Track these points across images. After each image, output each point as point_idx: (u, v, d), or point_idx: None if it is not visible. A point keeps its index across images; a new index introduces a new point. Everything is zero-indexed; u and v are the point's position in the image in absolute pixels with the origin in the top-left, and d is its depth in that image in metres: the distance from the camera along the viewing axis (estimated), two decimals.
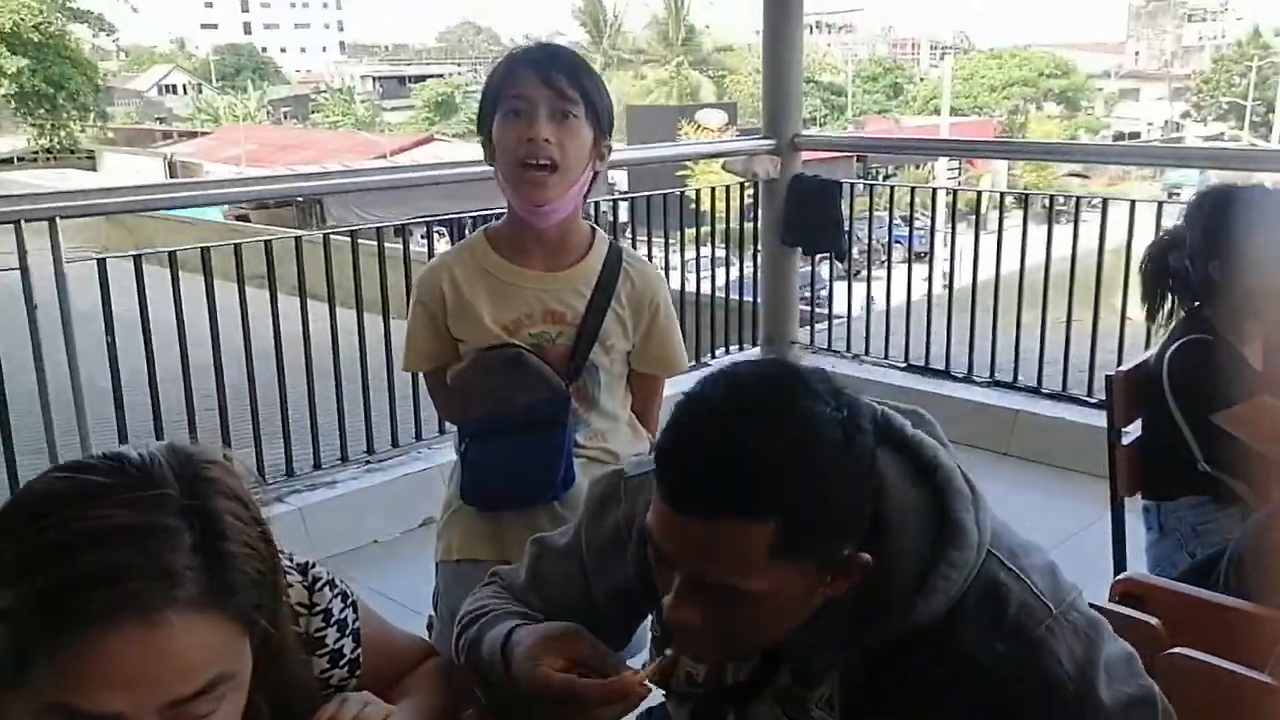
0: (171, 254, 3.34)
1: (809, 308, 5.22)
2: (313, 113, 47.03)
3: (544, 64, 1.66)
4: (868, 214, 5.09)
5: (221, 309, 3.30)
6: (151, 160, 30.77)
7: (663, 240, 4.90)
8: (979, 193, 5.30)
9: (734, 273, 5.11)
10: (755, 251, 4.78)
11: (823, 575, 1.00)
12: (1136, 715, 1.04)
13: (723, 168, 4.70)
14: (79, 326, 2.91)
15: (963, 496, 1.04)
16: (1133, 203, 4.06)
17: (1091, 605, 1.10)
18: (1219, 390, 2.01)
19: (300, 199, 14.87)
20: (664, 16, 42.42)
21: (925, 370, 4.47)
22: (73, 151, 31.94)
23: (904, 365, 4.55)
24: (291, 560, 1.06)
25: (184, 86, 54.59)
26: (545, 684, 1.08)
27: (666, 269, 4.76)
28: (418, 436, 3.75)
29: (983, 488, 1.08)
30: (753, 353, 4.76)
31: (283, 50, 78.91)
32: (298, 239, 3.63)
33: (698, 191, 5.56)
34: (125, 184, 4.75)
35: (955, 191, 5.57)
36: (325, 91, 50.90)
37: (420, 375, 1.93)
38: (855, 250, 5.09)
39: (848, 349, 4.75)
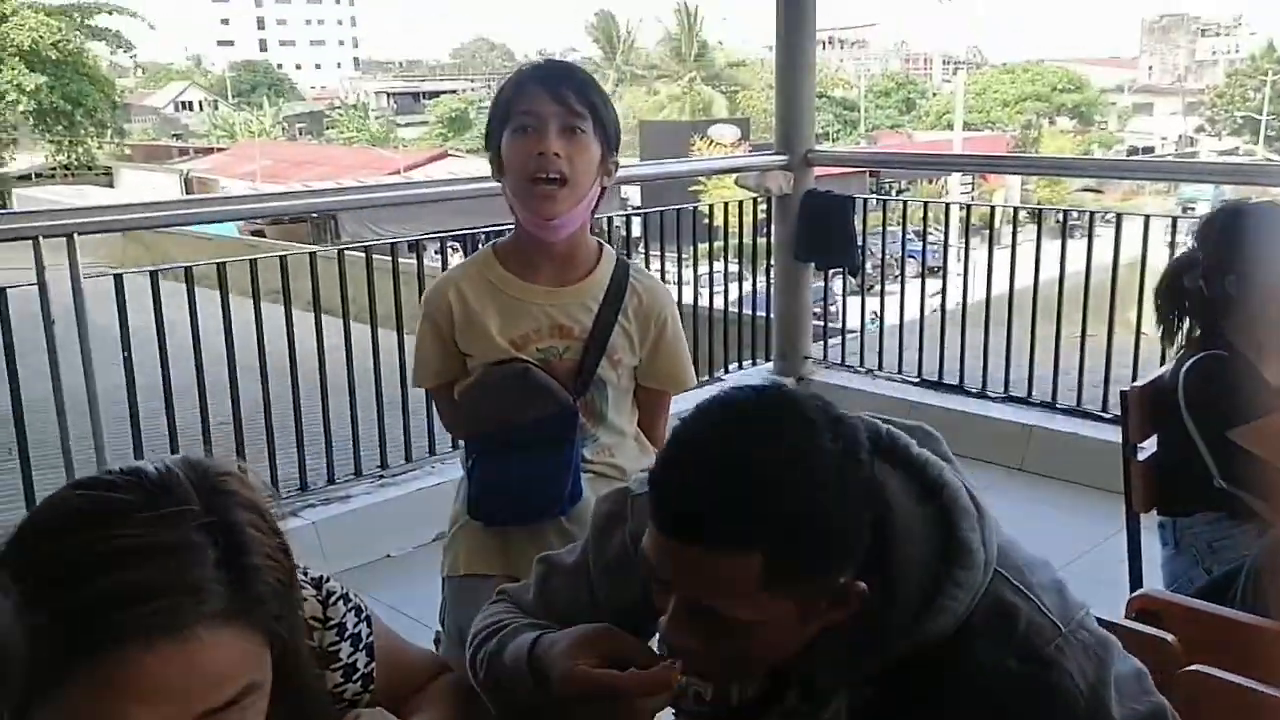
0: (188, 269, 3.36)
1: (822, 323, 5.22)
2: (327, 129, 47.31)
3: (553, 80, 1.67)
4: (881, 229, 5.09)
5: (237, 324, 3.31)
6: (168, 176, 31.01)
7: (675, 255, 4.91)
8: (992, 208, 5.29)
9: (747, 288, 5.12)
10: (768, 267, 4.78)
11: (817, 604, 0.99)
12: None
13: (736, 183, 4.72)
14: (96, 341, 2.93)
15: (968, 515, 1.03)
16: (1147, 218, 4.05)
17: (1107, 622, 1.10)
18: (1236, 406, 2.00)
19: (315, 215, 14.95)
20: (677, 32, 42.58)
21: (939, 385, 4.46)
22: (90, 168, 32.18)
23: (917, 380, 4.53)
24: (306, 574, 1.07)
25: (200, 103, 55.01)
26: (586, 681, 1.08)
27: (679, 284, 4.77)
28: (431, 451, 3.75)
29: (996, 503, 1.08)
30: (766, 368, 4.76)
31: (298, 67, 79.48)
32: (312, 254, 3.66)
33: (711, 207, 5.57)
34: (142, 200, 4.79)
35: (968, 206, 5.56)
36: (340, 108, 51.19)
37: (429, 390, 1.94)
38: (869, 265, 5.07)
39: (861, 364, 4.75)
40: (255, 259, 3.48)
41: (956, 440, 1.13)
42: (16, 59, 28.05)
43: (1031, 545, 1.11)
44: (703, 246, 5.30)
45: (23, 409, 2.95)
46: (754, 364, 4.81)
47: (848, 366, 4.77)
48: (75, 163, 31.82)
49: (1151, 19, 62.54)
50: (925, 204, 4.91)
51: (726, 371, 4.71)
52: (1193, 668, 1.24)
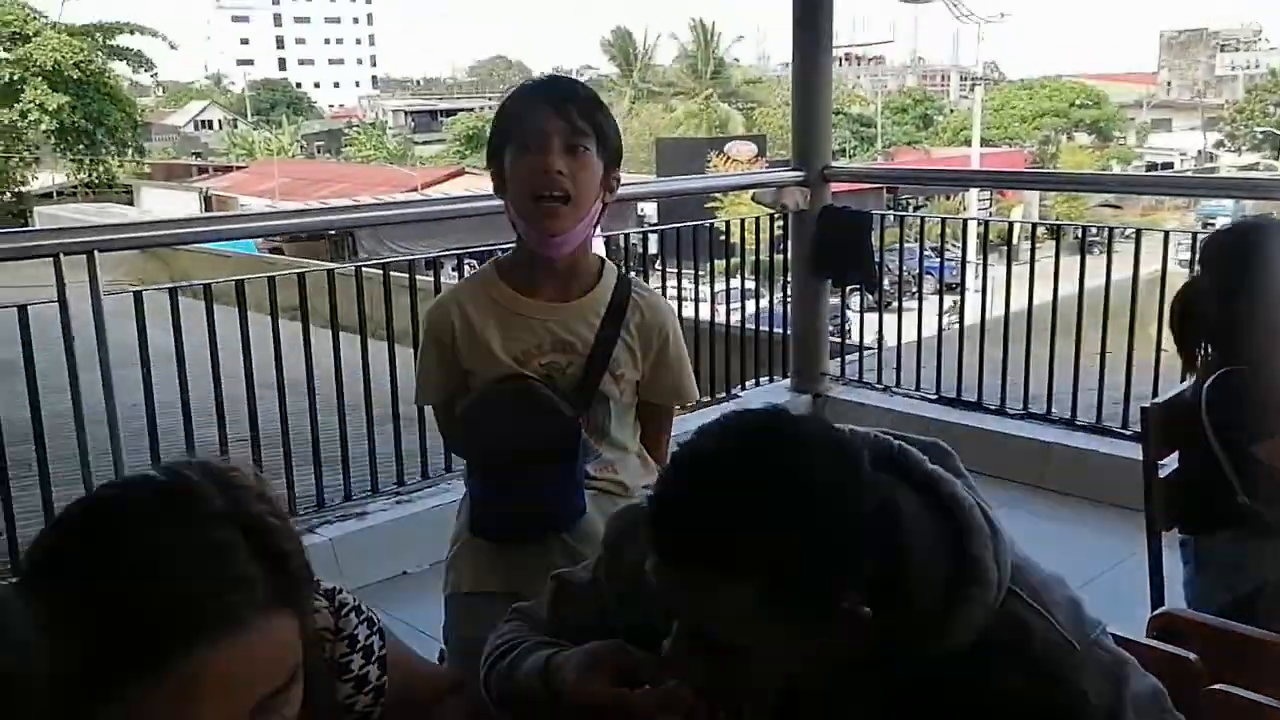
0: (206, 286, 3.38)
1: (839, 339, 5.21)
2: (345, 146, 47.60)
3: (556, 98, 1.68)
4: (898, 245, 5.08)
5: (255, 341, 3.33)
6: (187, 194, 31.28)
7: (692, 272, 4.91)
8: (1010, 223, 5.29)
9: (764, 304, 5.11)
10: (785, 283, 4.78)
11: (817, 629, 0.98)
12: None
13: (752, 199, 4.72)
14: (115, 358, 2.95)
15: (981, 532, 1.02)
16: (1166, 233, 4.03)
17: (1127, 641, 1.08)
18: (1259, 421, 1.98)
19: (333, 232, 15.05)
20: (693, 49, 42.72)
21: (957, 402, 4.44)
22: (111, 186, 32.49)
23: (935, 397, 4.51)
24: (319, 587, 1.07)
25: (219, 122, 55.50)
26: (598, 698, 1.09)
27: (695, 301, 4.77)
28: (447, 469, 3.75)
29: (1015, 521, 1.07)
30: (783, 384, 4.74)
31: (317, 85, 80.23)
32: (330, 272, 3.67)
33: (727, 223, 5.58)
34: (161, 218, 4.83)
35: (986, 222, 5.55)
36: (358, 126, 51.54)
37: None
38: (886, 281, 5.06)
39: (879, 380, 4.73)
40: (273, 276, 3.50)
41: (975, 458, 1.12)
42: (39, 79, 28.39)
43: (1051, 564, 1.10)
44: (719, 263, 5.30)
45: (43, 425, 2.96)
46: (770, 381, 4.79)
47: (865, 383, 4.75)
48: (96, 181, 32.13)
49: (1170, 34, 62.38)
50: (943, 220, 4.90)
51: (743, 388, 4.70)
52: (1215, 687, 1.22)
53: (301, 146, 46.50)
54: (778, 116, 37.64)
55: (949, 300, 4.97)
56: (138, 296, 3.19)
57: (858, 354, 4.98)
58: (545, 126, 1.66)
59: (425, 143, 50.94)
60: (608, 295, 1.77)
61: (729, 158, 29.43)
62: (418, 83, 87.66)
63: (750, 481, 0.95)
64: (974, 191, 22.21)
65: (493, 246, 4.14)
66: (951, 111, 49.13)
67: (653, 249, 5.30)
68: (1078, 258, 4.28)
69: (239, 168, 37.61)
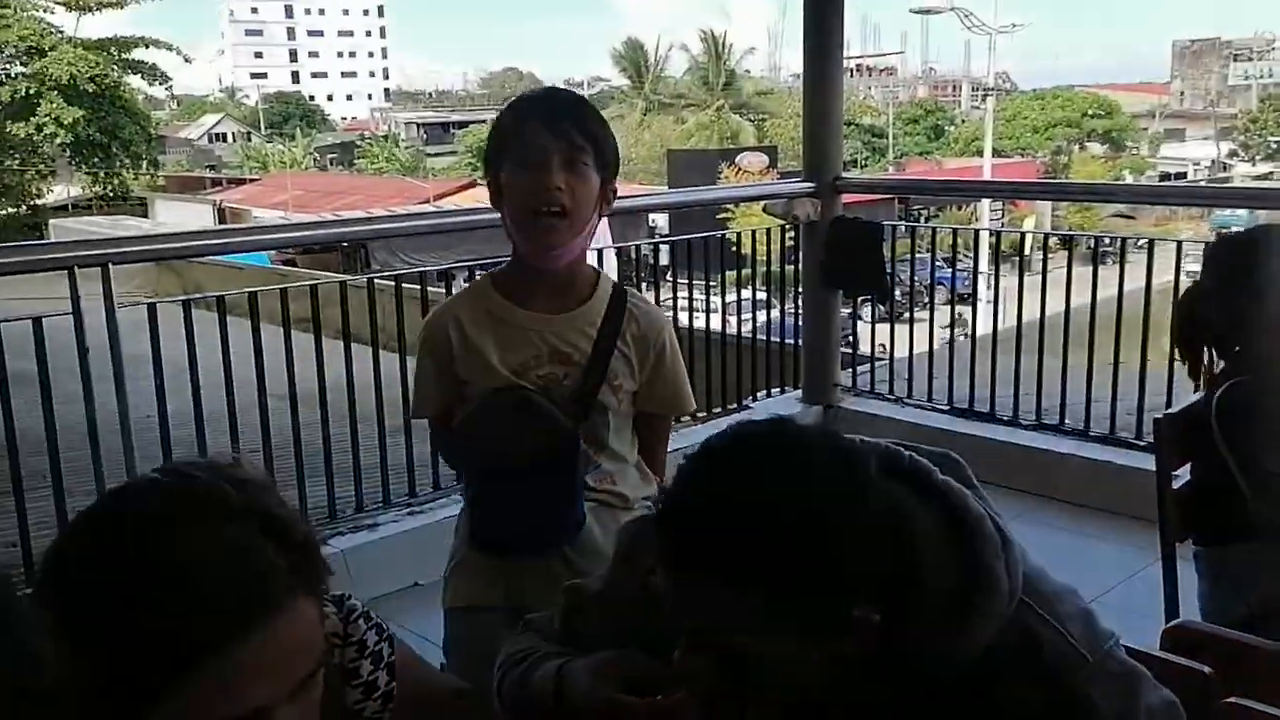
0: (220, 298, 3.40)
1: (851, 350, 5.20)
2: (358, 159, 47.83)
3: (554, 113, 1.69)
4: (910, 256, 5.08)
5: (267, 352, 3.34)
6: (201, 207, 31.45)
7: (703, 282, 4.91)
8: (1022, 234, 5.27)
9: (774, 315, 5.11)
10: (796, 294, 4.77)
11: (827, 636, 0.98)
12: None
13: (764, 210, 4.72)
14: (128, 370, 2.96)
15: (991, 542, 1.02)
16: (1179, 243, 4.01)
17: (1141, 653, 1.08)
18: (1271, 432, 1.97)
19: (345, 244, 15.10)
20: (704, 61, 42.78)
21: (970, 413, 4.42)
22: (125, 199, 32.69)
23: (947, 408, 4.50)
24: (328, 593, 1.08)
25: (233, 135, 55.83)
26: (608, 705, 1.10)
27: (707, 311, 4.77)
28: (459, 480, 3.75)
29: (1028, 532, 1.06)
30: (794, 395, 4.74)
31: (329, 98, 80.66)
32: (343, 283, 3.68)
33: (739, 234, 5.58)
34: (175, 230, 4.86)
35: (998, 233, 5.54)
36: (370, 138, 51.77)
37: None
38: (897, 292, 5.06)
39: (890, 391, 4.72)
40: (286, 288, 3.51)
41: (987, 469, 1.12)
42: (55, 93, 28.60)
43: (1064, 576, 1.10)
44: (730, 274, 5.30)
45: (57, 436, 2.98)
46: (782, 392, 4.79)
47: (876, 394, 4.74)
48: (111, 194, 32.34)
49: (1183, 43, 62.25)
50: (954, 230, 4.89)
51: (754, 399, 4.69)
52: (1230, 700, 1.21)
53: (314, 159, 46.74)
54: (789, 128, 37.65)
55: (945, 315, 4.96)
56: (151, 308, 3.21)
57: (869, 365, 4.98)
58: (543, 142, 1.66)
59: (437, 154, 51.15)
60: (604, 306, 1.78)
61: (740, 169, 29.44)
62: (430, 95, 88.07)
63: (758, 489, 0.95)
64: (986, 202, 22.16)
65: (503, 258, 4.16)
66: (963, 122, 49.11)
67: (664, 260, 5.31)
68: (1090, 268, 4.27)
69: (252, 180, 37.81)
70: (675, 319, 4.56)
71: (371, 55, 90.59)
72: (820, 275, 4.56)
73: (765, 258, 4.83)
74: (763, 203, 4.79)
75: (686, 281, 4.69)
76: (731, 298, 5.44)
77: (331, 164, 48.50)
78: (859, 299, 4.88)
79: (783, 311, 5.03)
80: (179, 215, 29.83)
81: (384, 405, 3.59)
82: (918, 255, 5.13)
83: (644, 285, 4.46)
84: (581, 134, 1.68)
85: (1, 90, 28.67)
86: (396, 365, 3.62)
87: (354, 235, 6.60)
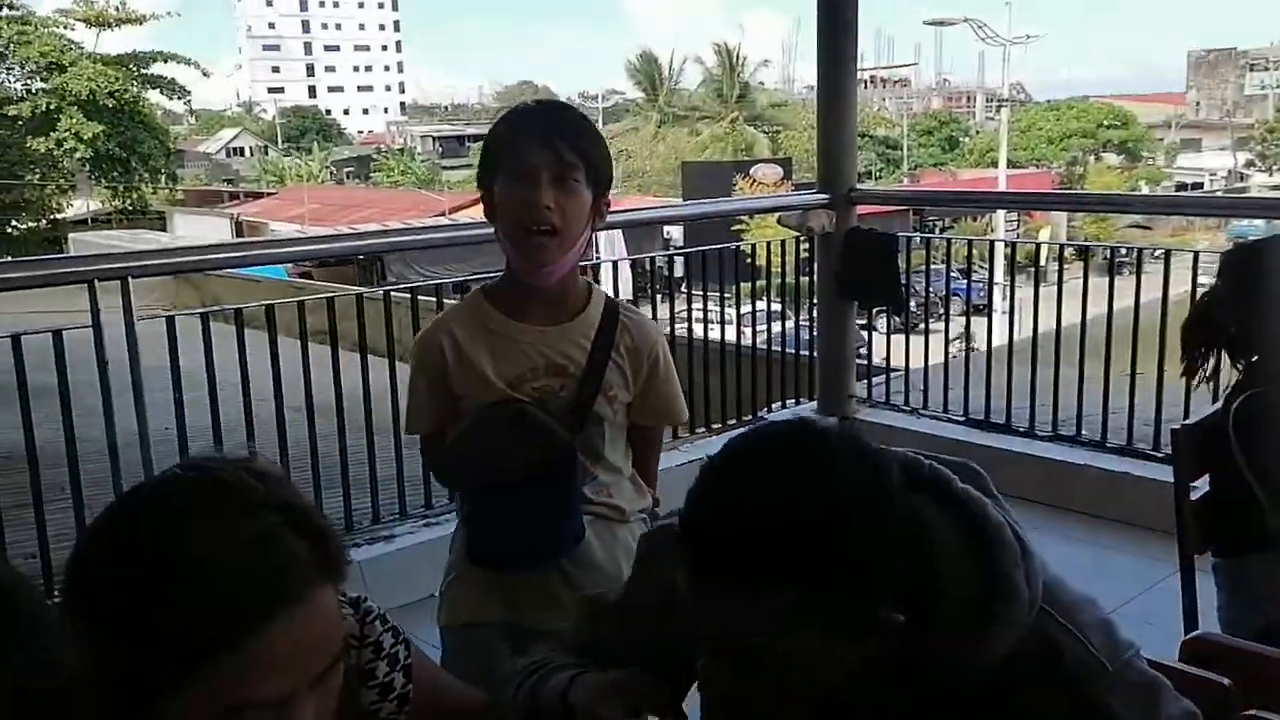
0: (238, 311, 3.42)
1: (866, 361, 5.19)
2: (374, 172, 48.05)
3: (546, 128, 1.68)
4: (924, 267, 5.07)
5: (285, 364, 3.36)
6: (219, 220, 31.67)
7: (718, 294, 4.92)
8: (1038, 244, 5.26)
9: (788, 326, 5.11)
10: (811, 305, 4.77)
11: (852, 638, 0.98)
12: None
13: (778, 222, 4.72)
14: (147, 381, 2.98)
15: (1011, 551, 1.02)
16: (1196, 254, 4.00)
17: (1159, 665, 1.07)
18: None
19: (361, 257, 15.16)
20: (719, 74, 42.86)
21: (985, 424, 4.41)
22: (144, 213, 32.94)
23: (963, 419, 4.49)
24: (344, 595, 1.08)
25: (250, 149, 56.21)
26: None
27: (722, 323, 4.77)
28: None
29: (1045, 544, 1.06)
30: (809, 406, 4.73)
31: (346, 112, 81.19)
32: (359, 296, 3.70)
33: (753, 246, 5.58)
34: (193, 244, 4.89)
35: (1014, 244, 5.53)
36: (386, 151, 52.02)
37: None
38: (913, 303, 5.05)
39: (906, 402, 4.71)
40: (303, 300, 3.53)
41: (1004, 480, 1.12)
42: (75, 108, 28.86)
43: (1082, 587, 1.09)
44: (745, 285, 5.30)
45: (76, 448, 3.00)
46: (797, 403, 4.78)
47: (892, 405, 4.73)
48: (130, 208, 32.58)
49: (1198, 54, 62.02)
50: (969, 242, 4.88)
51: (769, 410, 4.69)
52: (1249, 713, 1.21)
53: (331, 172, 47.01)
54: (803, 139, 37.64)
55: (959, 326, 4.95)
56: (170, 321, 3.23)
57: (884, 376, 4.97)
58: (534, 158, 1.65)
59: (453, 167, 51.31)
60: (597, 317, 1.78)
61: (755, 180, 29.47)
62: (445, 108, 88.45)
63: (783, 489, 0.95)
64: (1001, 213, 22.11)
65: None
66: (977, 133, 49.00)
67: (679, 271, 5.32)
68: (1106, 278, 4.26)
69: (269, 194, 38.06)
70: (690, 330, 4.57)
71: (388, 69, 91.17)
72: (835, 287, 4.56)
73: (780, 269, 4.83)
74: (777, 214, 4.79)
75: (701, 293, 4.70)
76: (746, 309, 5.44)
77: (348, 177, 48.76)
78: (874, 310, 4.87)
79: (797, 323, 5.03)
80: (197, 229, 30.06)
81: (400, 417, 3.60)
82: (932, 267, 5.12)
83: (659, 297, 4.47)
84: (573, 150, 1.67)
85: (22, 106, 28.95)
86: None
87: (370, 248, 6.62)
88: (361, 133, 73.15)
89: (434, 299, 3.77)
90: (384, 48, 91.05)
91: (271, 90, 79.46)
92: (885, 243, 4.51)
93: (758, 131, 41.58)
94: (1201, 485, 2.17)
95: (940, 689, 1.00)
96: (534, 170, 1.65)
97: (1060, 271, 4.62)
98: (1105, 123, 43.55)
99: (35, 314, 3.73)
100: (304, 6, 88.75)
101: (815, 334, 4.75)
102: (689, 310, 4.53)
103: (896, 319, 4.89)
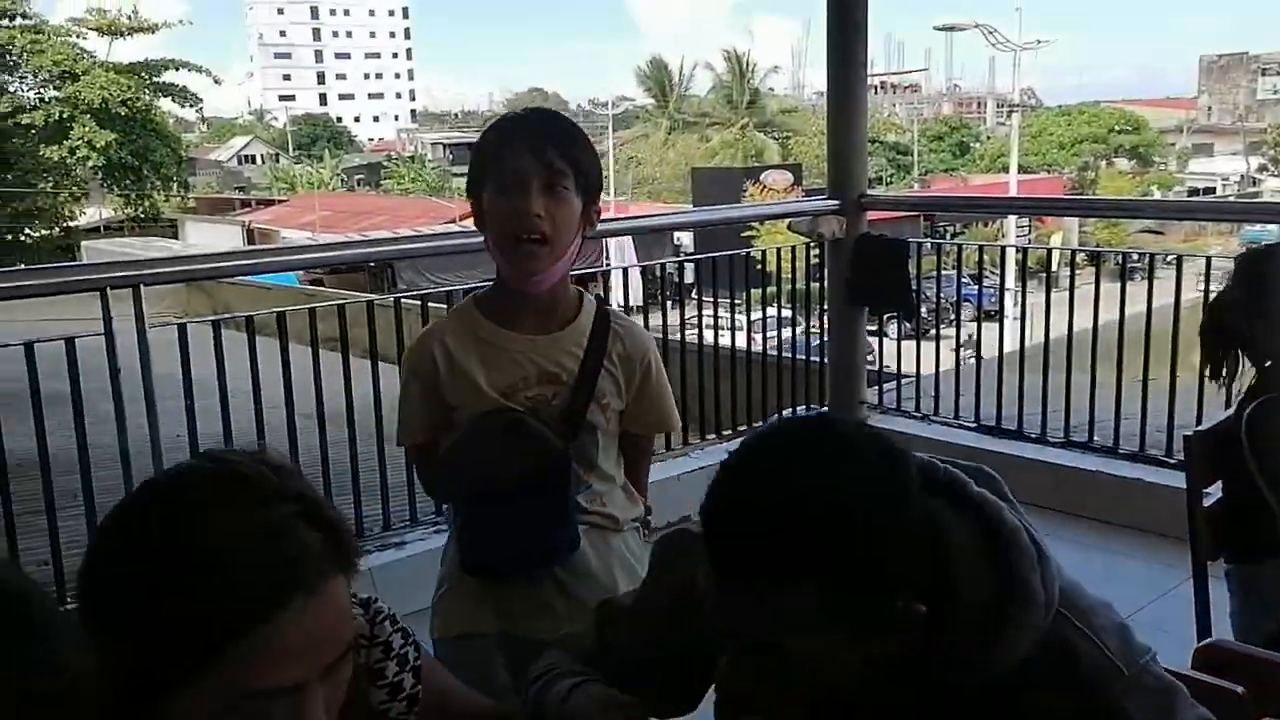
0: (249, 318, 3.43)
1: (877, 367, 5.18)
2: (385, 179, 48.19)
3: (535, 136, 1.67)
4: (935, 273, 5.06)
5: (296, 371, 3.37)
6: (230, 228, 31.81)
7: (729, 300, 4.92)
8: (1049, 250, 5.24)
9: (797, 332, 5.10)
10: (822, 311, 4.77)
11: (874, 631, 0.98)
12: None
13: (789, 228, 4.72)
14: (158, 389, 2.99)
15: (1027, 554, 1.02)
16: (1209, 259, 3.98)
17: (1173, 672, 1.07)
18: None
19: (372, 264, 15.23)
20: (728, 80, 42.89)
21: (997, 430, 4.40)
22: (156, 220, 33.10)
23: (975, 425, 4.47)
24: (355, 596, 1.09)
25: (261, 156, 56.43)
26: None
27: (732, 329, 4.77)
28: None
29: (1057, 550, 1.06)
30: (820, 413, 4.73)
31: (356, 119, 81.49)
32: (370, 303, 3.71)
33: (764, 252, 5.58)
34: (205, 252, 4.92)
35: (1025, 249, 5.52)
36: (397, 159, 52.15)
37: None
38: (924, 309, 5.04)
39: (917, 409, 4.70)
40: (314, 308, 3.54)
41: (1015, 486, 1.12)
42: (88, 116, 29.01)
43: (1093, 593, 1.09)
44: (755, 291, 5.30)
45: (89, 455, 3.01)
46: (808, 409, 4.77)
47: (903, 411, 4.72)
48: (142, 216, 32.75)
49: (1210, 58, 61.82)
50: (981, 247, 4.87)
51: (780, 417, 4.68)
52: None
53: (342, 180, 47.14)
54: (813, 145, 37.65)
55: (967, 332, 4.93)
56: (182, 329, 3.24)
57: (895, 382, 4.96)
58: (523, 166, 1.65)
59: (463, 175, 50.88)
60: (588, 325, 1.77)
61: (765, 186, 29.45)
62: (456, 116, 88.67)
63: (802, 483, 0.96)
64: (1012, 218, 22.06)
65: None
66: (988, 138, 48.91)
67: (689, 278, 5.32)
68: (1118, 284, 4.24)
69: (280, 201, 38.21)
70: (700, 336, 4.57)
71: (398, 77, 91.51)
72: (846, 293, 4.55)
73: (790, 275, 4.83)
74: (788, 220, 4.79)
75: (712, 299, 4.70)
76: (757, 315, 5.44)
77: (358, 185, 48.89)
78: (884, 316, 4.86)
79: (808, 329, 5.02)
80: (209, 236, 30.21)
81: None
82: (944, 272, 5.11)
83: (669, 303, 4.47)
84: (562, 157, 1.66)
85: (35, 114, 29.11)
86: None
87: (381, 255, 6.65)
88: (372, 140, 73.40)
89: (444, 305, 3.77)
90: (394, 55, 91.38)
91: (283, 98, 79.75)
92: (896, 248, 4.51)
93: (768, 138, 41.60)
94: (1214, 491, 2.16)
95: (956, 691, 1.00)
96: (524, 178, 1.65)
97: (1072, 277, 4.61)
98: (1117, 128, 43.44)
99: (48, 322, 3.75)
100: (315, 14, 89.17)
101: (826, 340, 4.75)
102: (699, 316, 4.54)
103: (907, 325, 4.88)
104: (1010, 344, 4.90)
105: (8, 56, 29.56)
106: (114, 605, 0.86)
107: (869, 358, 5.20)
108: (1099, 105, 48.17)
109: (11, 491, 2.94)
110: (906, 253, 4.52)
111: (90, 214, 33.78)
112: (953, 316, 5.15)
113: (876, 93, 56.76)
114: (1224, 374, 2.16)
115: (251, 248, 17.63)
